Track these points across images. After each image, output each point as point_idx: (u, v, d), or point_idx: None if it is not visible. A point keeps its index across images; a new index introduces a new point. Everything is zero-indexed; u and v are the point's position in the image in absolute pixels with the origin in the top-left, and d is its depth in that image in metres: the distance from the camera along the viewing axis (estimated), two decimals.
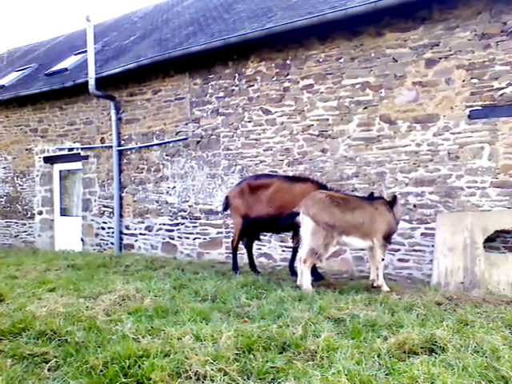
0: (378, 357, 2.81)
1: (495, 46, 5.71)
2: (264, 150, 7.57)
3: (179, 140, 8.54)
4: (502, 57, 5.67)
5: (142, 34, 10.83)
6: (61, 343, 3.18)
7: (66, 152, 10.40)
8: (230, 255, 6.68)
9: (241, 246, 6.53)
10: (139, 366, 2.68)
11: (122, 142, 9.40)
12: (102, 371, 2.67)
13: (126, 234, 9.40)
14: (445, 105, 6.05)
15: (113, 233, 9.49)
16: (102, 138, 9.73)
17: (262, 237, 6.74)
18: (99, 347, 3.03)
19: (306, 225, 4.94)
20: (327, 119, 6.95)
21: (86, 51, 9.90)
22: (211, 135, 8.17)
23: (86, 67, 9.20)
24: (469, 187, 5.89)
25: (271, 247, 7.49)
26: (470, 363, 2.66)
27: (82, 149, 10.08)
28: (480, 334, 3.13)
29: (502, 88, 5.67)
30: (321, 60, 7.01)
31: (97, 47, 10.56)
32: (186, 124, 8.48)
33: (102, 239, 9.81)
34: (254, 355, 2.86)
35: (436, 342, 3.00)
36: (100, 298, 4.36)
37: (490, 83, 5.75)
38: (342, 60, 6.82)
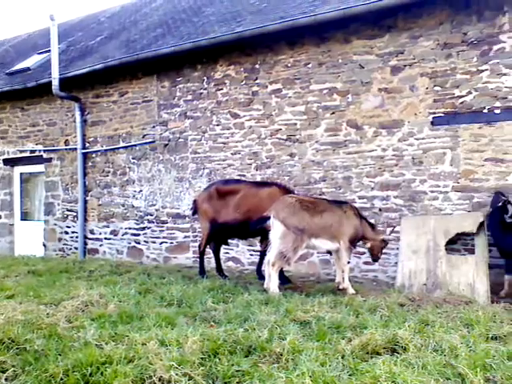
0: (342, 358, 2.86)
1: (456, 56, 5.92)
2: (232, 154, 7.56)
3: (146, 143, 8.43)
4: (463, 66, 5.87)
5: (109, 35, 10.64)
6: (19, 352, 3.07)
7: (27, 154, 10.09)
8: (198, 259, 6.62)
9: (208, 250, 6.49)
10: (101, 373, 2.65)
11: (87, 145, 9.20)
12: (62, 379, 2.61)
13: (90, 239, 9.18)
14: (409, 111, 6.21)
15: (77, 237, 9.25)
16: (66, 140, 9.49)
17: (230, 240, 6.72)
18: (60, 355, 2.95)
19: (276, 229, 4.98)
20: (295, 124, 7.02)
21: (49, 51, 9.63)
22: (179, 138, 8.10)
23: (50, 67, 8.97)
24: (432, 191, 6.06)
25: (239, 251, 7.48)
26: (429, 362, 2.74)
27: (44, 151, 9.80)
28: (440, 334, 3.23)
29: (463, 96, 5.87)
30: (289, 65, 7.08)
31: (61, 47, 10.29)
32: (154, 127, 8.38)
33: (65, 244, 9.54)
34: (219, 359, 2.86)
35: (398, 342, 3.07)
36: (62, 305, 4.23)
37: (451, 91, 5.94)
38: (310, 65, 6.91)
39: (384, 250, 6.26)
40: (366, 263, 6.44)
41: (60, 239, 9.61)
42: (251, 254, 7.32)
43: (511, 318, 3.81)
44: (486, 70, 5.72)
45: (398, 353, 2.96)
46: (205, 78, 7.85)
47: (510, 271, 5.26)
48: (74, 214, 9.34)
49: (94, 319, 3.81)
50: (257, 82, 7.35)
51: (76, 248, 9.28)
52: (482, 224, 5.45)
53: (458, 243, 5.82)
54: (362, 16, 6.22)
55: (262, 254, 5.81)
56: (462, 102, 5.87)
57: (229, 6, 8.99)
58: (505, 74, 5.62)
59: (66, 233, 9.52)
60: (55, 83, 8.73)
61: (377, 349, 2.99)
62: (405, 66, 6.23)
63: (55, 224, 9.68)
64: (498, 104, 5.66)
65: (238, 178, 7.28)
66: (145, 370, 2.67)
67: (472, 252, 5.54)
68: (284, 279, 5.63)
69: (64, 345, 3.13)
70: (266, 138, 7.26)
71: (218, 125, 7.71)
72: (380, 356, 2.90)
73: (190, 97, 8.00)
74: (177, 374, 2.60)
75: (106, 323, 3.65)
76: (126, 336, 3.25)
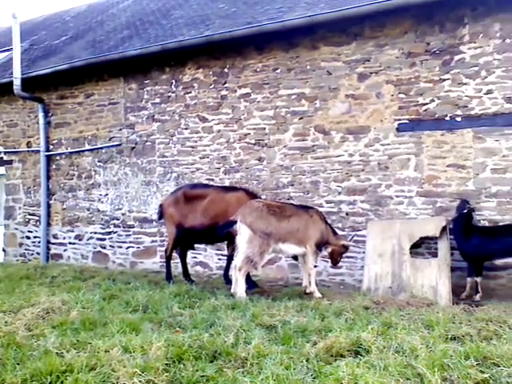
0: (306, 361, 2.87)
1: (420, 65, 6.09)
2: (200, 158, 7.51)
3: (112, 146, 8.27)
4: (426, 75, 6.04)
5: (75, 35, 10.40)
6: None
7: None
8: (165, 264, 6.53)
9: (175, 255, 6.42)
10: (62, 381, 2.58)
11: (51, 147, 8.94)
12: None
13: (53, 244, 8.91)
14: (375, 117, 6.33)
15: (39, 242, 8.96)
16: (29, 141, 9.21)
17: (198, 245, 6.67)
18: (18, 364, 2.86)
19: (243, 233, 4.98)
20: (264, 128, 7.04)
21: (11, 49, 9.32)
22: (146, 141, 7.99)
23: (11, 66, 8.68)
24: (397, 196, 6.20)
25: (207, 256, 7.42)
26: (391, 363, 2.79)
27: (5, 153, 9.48)
28: (401, 335, 3.30)
29: (426, 104, 6.04)
30: (258, 70, 7.11)
31: (24, 46, 9.98)
32: (120, 129, 8.24)
33: (26, 249, 9.23)
34: (184, 365, 2.84)
35: (361, 344, 3.12)
36: (21, 312, 4.07)
37: (415, 99, 6.10)
38: (278, 70, 6.96)
39: (351, 254, 6.37)
40: (333, 267, 6.51)
41: (21, 244, 9.29)
42: (219, 259, 7.28)
43: (469, 319, 3.93)
44: (448, 79, 5.91)
45: (361, 355, 3.00)
46: (173, 81, 7.78)
47: (471, 274, 5.43)
48: (37, 218, 9.05)
49: (56, 327, 3.70)
50: (226, 85, 7.35)
51: (38, 253, 8.99)
52: (444, 228, 5.61)
53: (422, 247, 5.97)
54: (329, 23, 6.32)
55: (229, 259, 5.79)
56: (425, 110, 6.04)
57: (198, 9, 8.96)
58: (465, 84, 5.82)
59: (28, 237, 9.22)
60: (17, 83, 8.45)
61: (341, 351, 3.03)
62: (371, 73, 6.36)
63: (16, 228, 9.36)
64: (459, 112, 5.85)
65: (207, 182, 7.24)
66: (107, 377, 2.62)
67: (435, 255, 5.68)
68: (251, 284, 5.63)
69: (23, 353, 3.03)
70: (234, 142, 7.26)
71: (186, 128, 7.65)
72: (344, 358, 2.94)
73: (157, 100, 7.91)
74: (140, 381, 2.56)
75: (67, 331, 3.56)
76: (89, 343, 3.17)
